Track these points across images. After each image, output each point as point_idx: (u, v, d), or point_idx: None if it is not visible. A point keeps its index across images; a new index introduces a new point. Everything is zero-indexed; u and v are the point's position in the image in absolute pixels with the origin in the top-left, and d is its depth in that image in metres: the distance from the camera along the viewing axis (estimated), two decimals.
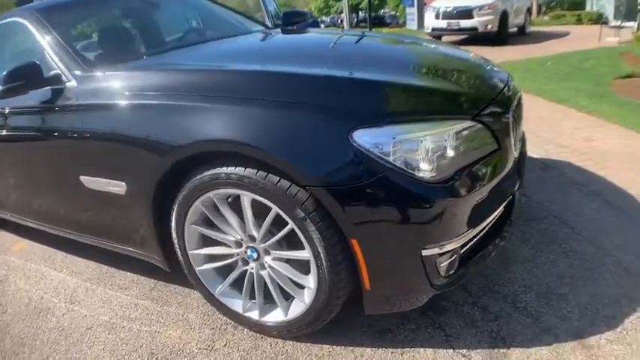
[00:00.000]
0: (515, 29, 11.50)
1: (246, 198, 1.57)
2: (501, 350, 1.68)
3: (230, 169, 1.53)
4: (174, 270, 2.02)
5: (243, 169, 1.51)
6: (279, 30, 3.21)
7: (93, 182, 1.92)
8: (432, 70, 1.97)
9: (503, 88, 1.85)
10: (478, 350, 1.68)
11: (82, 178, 1.94)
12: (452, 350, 1.69)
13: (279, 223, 1.59)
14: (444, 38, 11.02)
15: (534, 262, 2.16)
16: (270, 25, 3.90)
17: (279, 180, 1.47)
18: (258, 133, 1.47)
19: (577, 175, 3.10)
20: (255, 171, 1.49)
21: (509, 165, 1.73)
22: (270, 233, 1.64)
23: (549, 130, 4.02)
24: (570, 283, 2.00)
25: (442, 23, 10.86)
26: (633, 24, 9.00)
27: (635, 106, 4.59)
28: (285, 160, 1.43)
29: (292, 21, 3.52)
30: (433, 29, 11.07)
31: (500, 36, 10.29)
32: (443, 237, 1.46)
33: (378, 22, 30.29)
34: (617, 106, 4.61)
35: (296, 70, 1.75)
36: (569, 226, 2.45)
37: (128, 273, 2.42)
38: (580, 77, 6.05)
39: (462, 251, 1.61)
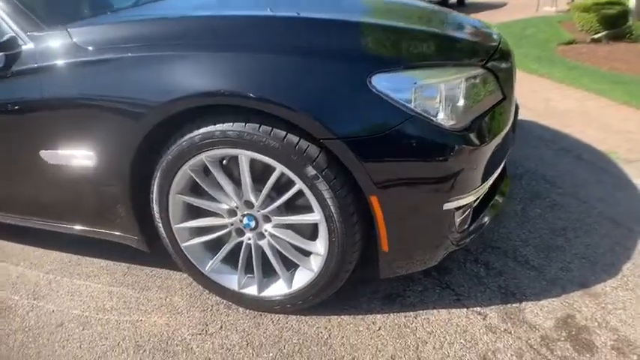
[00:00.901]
0: (454, 0, 11.70)
1: (245, 158, 1.39)
2: (514, 305, 1.64)
3: (227, 126, 1.34)
4: (152, 250, 1.80)
5: (243, 124, 1.32)
6: None
7: (56, 156, 1.64)
8: (432, 20, 1.85)
9: (500, 39, 1.78)
10: (492, 307, 1.63)
11: (43, 152, 1.66)
12: (466, 309, 1.63)
13: (279, 186, 1.44)
14: None
15: (524, 216, 2.16)
16: None
17: (287, 135, 1.30)
18: (262, 81, 1.29)
19: (545, 133, 3.16)
20: (258, 126, 1.32)
21: (512, 116, 1.67)
22: (270, 198, 1.47)
23: None
24: (563, 235, 2.01)
25: None
26: None
27: (582, 69, 4.80)
28: (296, 112, 1.26)
29: None
30: None
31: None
32: (464, 189, 1.37)
33: None
34: (566, 69, 4.79)
35: (297, 14, 1.56)
36: (549, 181, 2.48)
37: (95, 259, 2.15)
38: (526, 44, 6.22)
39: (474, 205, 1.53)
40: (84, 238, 1.95)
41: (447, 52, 1.50)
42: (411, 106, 1.27)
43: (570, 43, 6.12)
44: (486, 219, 1.61)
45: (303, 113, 1.25)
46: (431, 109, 1.30)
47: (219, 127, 1.35)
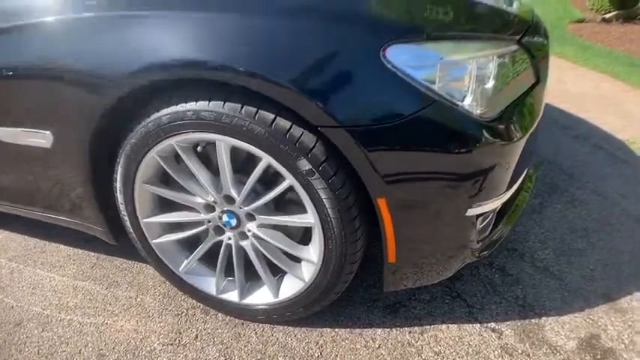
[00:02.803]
0: None
1: (224, 145, 1.13)
2: (533, 320, 1.43)
3: (201, 105, 1.08)
4: (120, 242, 1.57)
5: (222, 103, 1.06)
6: None
7: (9, 134, 1.39)
8: None
9: (534, 12, 1.51)
10: (508, 323, 1.42)
11: None
12: (479, 325, 1.41)
13: (267, 177, 1.19)
14: None
15: (542, 213, 1.94)
16: None
17: (275, 118, 1.04)
18: (246, 51, 1.01)
19: (560, 118, 2.93)
20: (240, 106, 1.06)
21: (543, 103, 1.43)
22: (255, 192, 1.23)
23: None
24: (585, 237, 1.80)
25: None
26: None
27: (596, 50, 4.57)
28: (287, 90, 0.99)
29: None
30: None
31: None
32: (492, 192, 1.13)
33: None
34: (580, 49, 4.56)
35: None
36: (567, 172, 2.26)
37: (62, 246, 1.91)
38: None
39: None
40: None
41: (476, 21, 1.23)
42: (435, 87, 1.01)
43: (580, 21, 5.86)
44: (509, 225, 1.37)
45: (297, 92, 0.99)
46: (457, 93, 1.05)
47: (191, 106, 1.09)
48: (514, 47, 1.19)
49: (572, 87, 3.54)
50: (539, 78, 1.32)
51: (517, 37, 1.23)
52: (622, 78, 3.70)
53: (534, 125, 1.27)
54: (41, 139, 1.35)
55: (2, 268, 1.84)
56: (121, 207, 1.37)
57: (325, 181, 1.07)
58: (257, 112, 1.05)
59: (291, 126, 1.04)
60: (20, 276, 1.79)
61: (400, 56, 0.99)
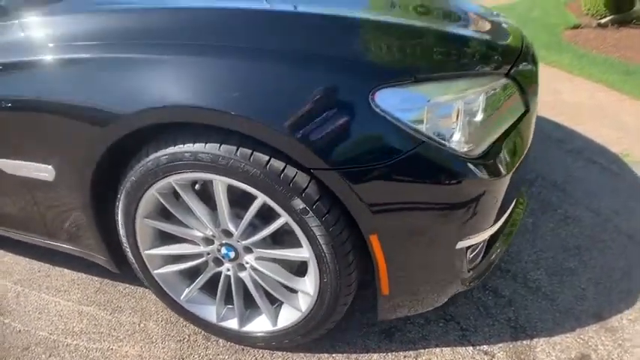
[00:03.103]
0: None
1: (221, 185, 1.17)
2: (525, 342, 1.47)
3: (198, 147, 1.12)
4: (123, 270, 1.61)
5: (218, 146, 1.11)
6: None
7: (15, 167, 1.44)
8: (440, 14, 1.60)
9: (524, 38, 1.55)
10: (500, 345, 1.46)
11: (1, 161, 1.46)
12: (472, 347, 1.45)
13: (263, 211, 1.23)
14: None
15: (535, 232, 1.98)
16: None
17: (270, 160, 1.09)
18: (240, 96, 1.06)
19: (555, 131, 2.96)
20: (235, 148, 1.10)
21: (533, 130, 1.47)
22: (252, 226, 1.27)
23: None
24: (577, 255, 1.83)
25: None
26: None
27: (591, 57, 4.58)
28: (280, 134, 1.04)
29: None
30: None
31: None
32: (481, 226, 1.17)
33: None
34: (575, 58, 4.57)
35: (284, 8, 1.31)
36: (560, 188, 2.30)
37: (65, 270, 1.95)
38: (532, 28, 5.94)
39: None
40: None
41: (464, 58, 1.27)
42: (422, 129, 1.05)
43: (576, 27, 5.88)
44: (503, 246, 1.41)
45: (289, 136, 1.04)
46: (444, 132, 1.09)
47: (188, 147, 1.13)
48: (503, 81, 1.23)
49: (567, 98, 3.56)
50: (529, 107, 1.36)
51: (505, 71, 1.27)
52: (617, 87, 3.70)
53: (523, 156, 1.30)
54: (44, 172, 1.39)
55: (8, 292, 1.89)
56: (123, 239, 1.41)
57: (319, 219, 1.11)
58: (252, 153, 1.09)
59: (285, 167, 1.09)
60: (26, 300, 1.84)
61: (388, 100, 1.04)
